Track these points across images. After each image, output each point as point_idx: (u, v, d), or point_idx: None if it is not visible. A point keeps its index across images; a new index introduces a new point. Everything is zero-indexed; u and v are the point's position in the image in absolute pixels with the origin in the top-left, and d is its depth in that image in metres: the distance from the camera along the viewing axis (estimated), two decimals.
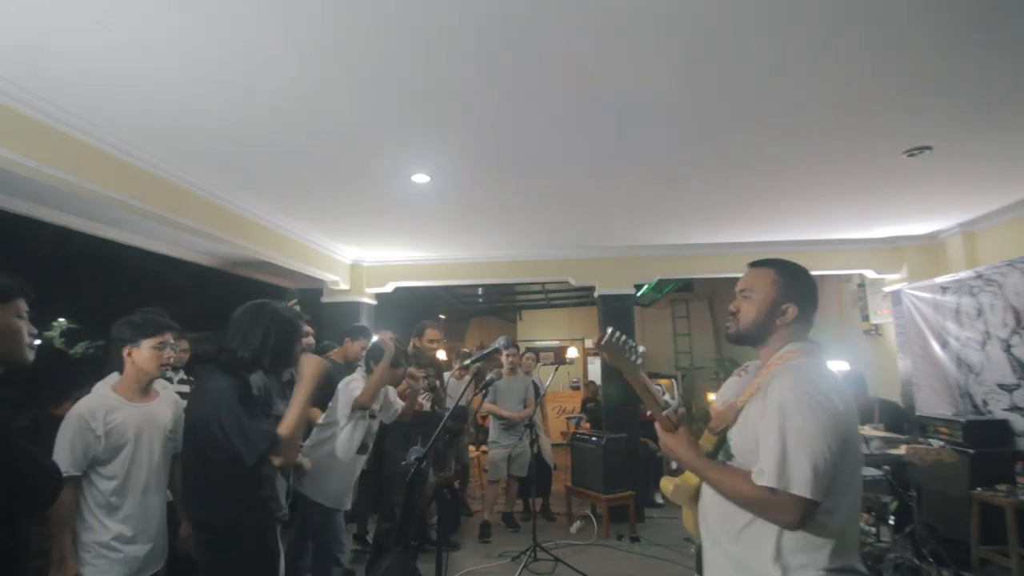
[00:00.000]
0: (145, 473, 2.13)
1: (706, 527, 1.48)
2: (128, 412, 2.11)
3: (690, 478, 1.58)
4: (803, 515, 1.26)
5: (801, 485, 1.25)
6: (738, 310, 1.52)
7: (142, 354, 2.15)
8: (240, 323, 2.03)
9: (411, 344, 4.51)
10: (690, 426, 1.55)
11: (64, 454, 1.96)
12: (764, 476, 1.29)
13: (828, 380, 1.35)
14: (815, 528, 1.29)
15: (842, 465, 1.28)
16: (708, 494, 1.49)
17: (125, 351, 2.14)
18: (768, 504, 1.29)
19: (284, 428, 1.97)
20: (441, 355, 6.16)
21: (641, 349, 1.52)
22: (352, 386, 3.13)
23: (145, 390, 2.21)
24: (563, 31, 2.15)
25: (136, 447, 2.11)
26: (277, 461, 1.96)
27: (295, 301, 3.58)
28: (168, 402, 2.31)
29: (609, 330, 1.45)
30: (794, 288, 1.48)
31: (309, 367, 2.11)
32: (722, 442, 1.48)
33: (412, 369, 3.76)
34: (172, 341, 2.25)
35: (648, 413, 1.42)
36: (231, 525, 1.98)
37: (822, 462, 1.25)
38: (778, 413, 1.31)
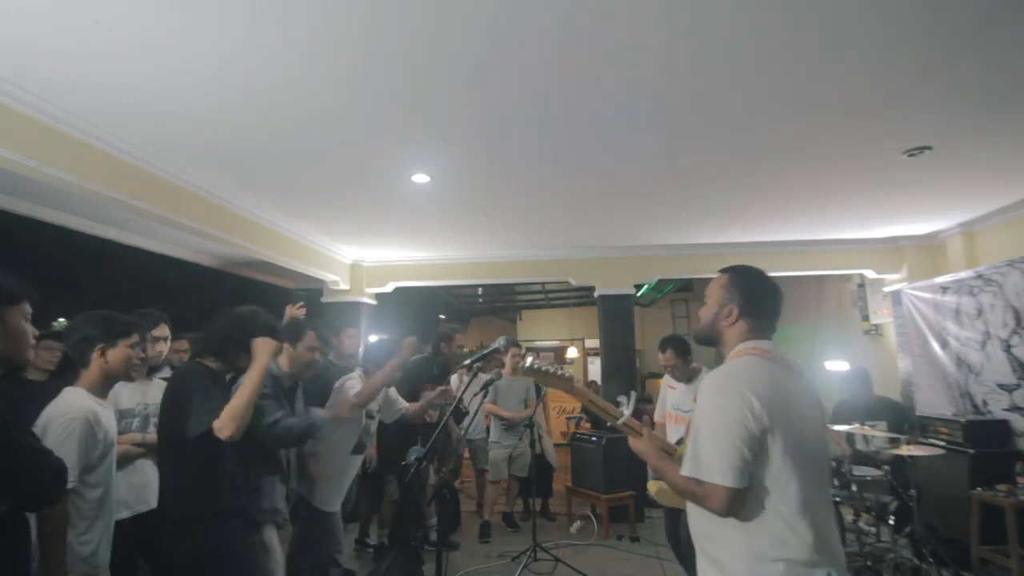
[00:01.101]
0: (113, 480, 2.05)
1: (689, 520, 1.55)
2: (108, 415, 2.02)
3: None
4: (727, 502, 1.33)
5: (712, 472, 1.34)
6: (700, 314, 1.65)
7: (116, 354, 2.02)
8: (215, 322, 2.24)
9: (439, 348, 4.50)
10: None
11: (67, 462, 1.77)
12: (685, 466, 1.41)
13: (752, 377, 1.40)
14: (768, 516, 1.34)
15: (766, 454, 1.34)
16: None
17: (96, 350, 2.00)
18: (697, 494, 1.38)
19: (230, 403, 2.02)
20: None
21: (569, 372, 1.67)
22: (348, 385, 3.11)
23: (107, 393, 2.09)
24: (562, 31, 2.15)
25: (113, 453, 2.04)
26: (222, 434, 1.97)
27: (301, 304, 3.58)
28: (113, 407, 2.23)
29: (529, 359, 1.66)
30: (738, 290, 1.56)
31: (261, 348, 2.16)
32: None
33: (444, 389, 3.73)
34: (141, 342, 2.16)
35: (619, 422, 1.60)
36: (192, 517, 2.01)
37: (731, 451, 1.33)
38: (698, 409, 1.45)
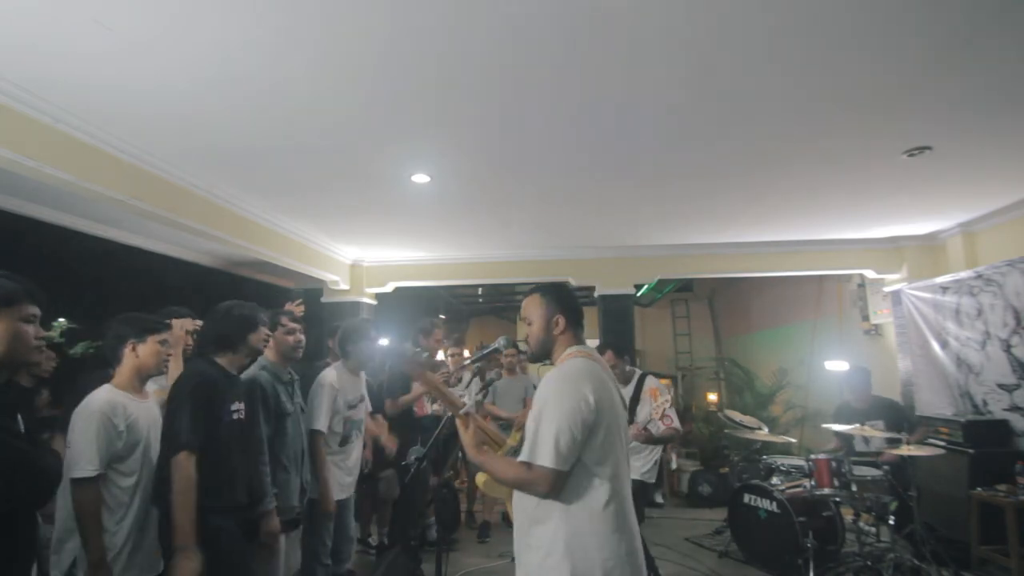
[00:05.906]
0: (151, 471, 2.11)
1: (516, 508, 1.71)
2: (138, 407, 2.11)
3: None
4: (552, 484, 1.53)
5: (545, 457, 1.52)
6: (528, 336, 1.81)
7: (146, 349, 2.15)
8: (208, 318, 2.30)
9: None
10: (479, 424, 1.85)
11: (88, 452, 1.92)
12: (523, 454, 1.58)
13: (585, 375, 1.61)
14: (588, 489, 1.55)
15: (593, 440, 1.56)
16: None
17: (128, 346, 2.14)
18: (525, 479, 1.56)
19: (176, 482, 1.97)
20: (439, 356, 6.18)
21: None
22: (328, 378, 3.12)
23: (142, 387, 2.21)
24: (562, 32, 2.16)
25: (147, 444, 2.11)
26: (174, 475, 1.97)
27: (300, 302, 3.60)
28: (156, 400, 2.31)
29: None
30: (557, 302, 1.78)
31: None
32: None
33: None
34: (169, 340, 2.30)
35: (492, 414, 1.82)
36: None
37: (563, 440, 1.52)
38: (538, 404, 1.61)
